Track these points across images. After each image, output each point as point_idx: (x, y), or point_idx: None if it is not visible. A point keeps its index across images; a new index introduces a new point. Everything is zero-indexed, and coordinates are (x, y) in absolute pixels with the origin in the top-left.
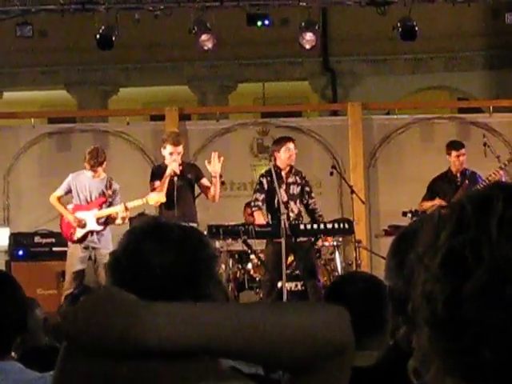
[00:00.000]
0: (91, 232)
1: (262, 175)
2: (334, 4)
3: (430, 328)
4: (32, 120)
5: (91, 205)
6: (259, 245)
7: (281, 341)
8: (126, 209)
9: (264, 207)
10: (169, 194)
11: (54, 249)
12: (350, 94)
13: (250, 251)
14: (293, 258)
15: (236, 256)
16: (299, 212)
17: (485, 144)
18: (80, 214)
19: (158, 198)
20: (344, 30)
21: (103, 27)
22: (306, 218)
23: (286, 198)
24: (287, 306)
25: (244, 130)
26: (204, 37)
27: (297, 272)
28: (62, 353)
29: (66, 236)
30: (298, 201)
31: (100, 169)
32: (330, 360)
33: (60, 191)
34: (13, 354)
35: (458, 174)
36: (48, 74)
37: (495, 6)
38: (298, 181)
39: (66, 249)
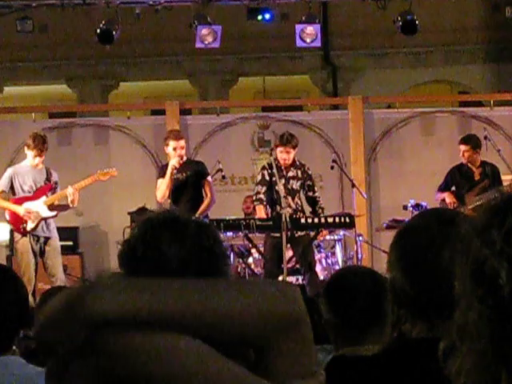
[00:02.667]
0: (44, 219)
1: (263, 167)
2: None
3: (485, 308)
4: (33, 114)
5: (38, 193)
6: (260, 239)
7: (231, 314)
8: (77, 190)
9: (266, 199)
10: (176, 190)
11: None
12: (351, 88)
13: (250, 245)
14: (292, 253)
15: (237, 250)
16: (297, 207)
17: (485, 137)
18: (28, 205)
19: (108, 172)
20: (344, 24)
21: (104, 22)
22: (307, 212)
23: (284, 193)
24: (236, 283)
25: (245, 124)
26: (204, 31)
27: (297, 266)
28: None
29: (18, 229)
30: (296, 196)
31: (44, 155)
32: (286, 333)
33: (1, 187)
34: (14, 347)
35: (475, 169)
36: (49, 68)
37: None
38: (299, 175)
39: (67, 243)
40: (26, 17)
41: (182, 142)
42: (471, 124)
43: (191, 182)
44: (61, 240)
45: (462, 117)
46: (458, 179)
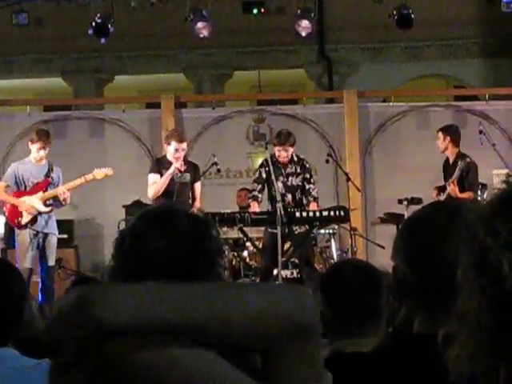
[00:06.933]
0: (39, 214)
1: (261, 164)
2: None
3: (486, 298)
4: (27, 108)
5: (35, 188)
6: (255, 232)
7: (241, 318)
8: (67, 189)
9: (261, 197)
10: (169, 189)
11: None
12: (346, 82)
13: (245, 239)
14: (289, 246)
15: (232, 243)
16: (298, 203)
17: (481, 132)
18: (25, 199)
19: (104, 172)
20: (340, 17)
21: (99, 15)
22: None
23: (283, 190)
24: (249, 286)
25: (240, 117)
26: (200, 25)
27: (292, 260)
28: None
29: (13, 223)
30: (297, 192)
31: (48, 149)
32: (295, 339)
33: (6, 181)
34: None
35: (451, 162)
36: (44, 61)
37: None
38: (298, 170)
39: (63, 236)
40: (21, 10)
41: (185, 145)
42: (466, 118)
43: (188, 183)
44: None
45: (457, 111)
46: (445, 172)
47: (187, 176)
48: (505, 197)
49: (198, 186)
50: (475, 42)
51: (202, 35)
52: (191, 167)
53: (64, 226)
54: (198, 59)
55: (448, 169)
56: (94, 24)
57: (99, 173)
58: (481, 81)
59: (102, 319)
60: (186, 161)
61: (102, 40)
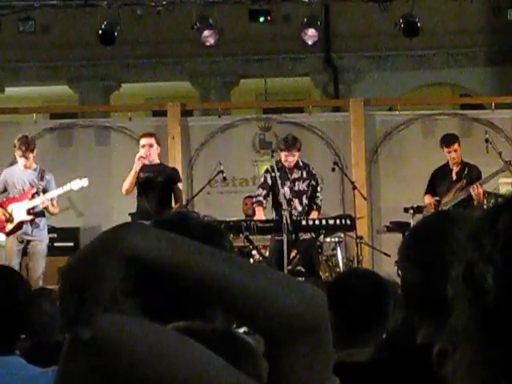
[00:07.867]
0: (22, 222)
1: (266, 170)
2: (336, 0)
3: (472, 310)
4: (34, 115)
5: (23, 196)
6: (261, 240)
7: (254, 296)
8: (48, 199)
9: (265, 202)
10: (145, 188)
11: (56, 244)
12: (352, 90)
13: (251, 247)
14: (295, 254)
15: (237, 252)
16: (304, 209)
17: (487, 140)
18: (11, 207)
19: (81, 184)
20: (346, 26)
21: (105, 23)
22: None
23: (290, 196)
24: (269, 271)
25: (246, 125)
26: (206, 33)
27: (298, 268)
28: (66, 348)
29: (2, 230)
30: (303, 197)
31: (31, 156)
32: (302, 335)
33: None
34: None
35: (455, 170)
36: (50, 69)
37: (497, 2)
38: (305, 176)
39: (68, 244)
40: (28, 17)
41: (151, 140)
42: (472, 127)
43: (160, 183)
44: (61, 241)
45: (463, 119)
46: (438, 180)
47: (164, 178)
48: (492, 209)
49: (177, 187)
50: (481, 50)
51: (208, 43)
52: (167, 169)
53: (70, 233)
54: (205, 67)
55: (447, 175)
56: (100, 32)
57: (76, 184)
58: (487, 89)
59: (128, 244)
60: (163, 165)
61: (109, 47)
